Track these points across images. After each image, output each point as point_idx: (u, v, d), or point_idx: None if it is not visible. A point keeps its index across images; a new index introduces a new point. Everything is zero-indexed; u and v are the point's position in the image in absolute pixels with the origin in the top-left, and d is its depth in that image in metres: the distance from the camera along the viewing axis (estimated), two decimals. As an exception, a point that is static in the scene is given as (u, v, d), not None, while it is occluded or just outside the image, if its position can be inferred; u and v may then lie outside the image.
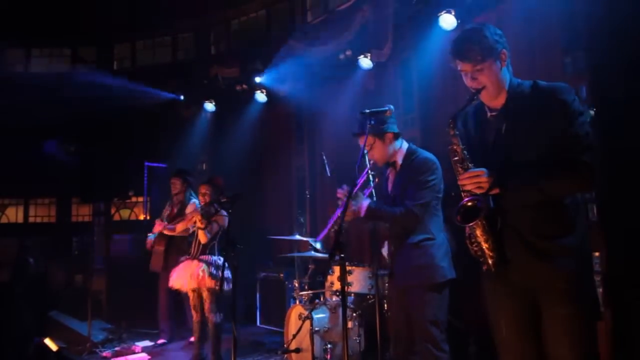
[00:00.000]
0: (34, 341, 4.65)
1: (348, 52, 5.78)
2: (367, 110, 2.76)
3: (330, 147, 6.44)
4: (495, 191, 1.87)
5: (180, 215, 5.31)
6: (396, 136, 3.05)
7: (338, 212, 2.89)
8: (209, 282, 4.46)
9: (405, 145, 3.09)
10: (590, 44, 3.71)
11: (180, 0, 8.72)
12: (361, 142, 2.94)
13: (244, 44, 8.38)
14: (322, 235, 2.68)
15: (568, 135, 1.83)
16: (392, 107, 2.87)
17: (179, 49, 9.55)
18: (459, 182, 1.93)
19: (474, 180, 1.87)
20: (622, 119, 3.41)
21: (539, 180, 1.83)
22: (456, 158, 1.97)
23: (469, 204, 1.87)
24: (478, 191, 1.87)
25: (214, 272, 4.48)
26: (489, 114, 2.06)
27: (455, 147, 1.96)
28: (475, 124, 2.10)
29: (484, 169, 1.88)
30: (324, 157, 4.63)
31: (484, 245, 1.90)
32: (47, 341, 4.57)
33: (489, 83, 1.96)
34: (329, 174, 3.67)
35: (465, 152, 1.95)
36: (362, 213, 2.86)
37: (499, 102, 2.01)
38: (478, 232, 1.90)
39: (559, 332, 1.82)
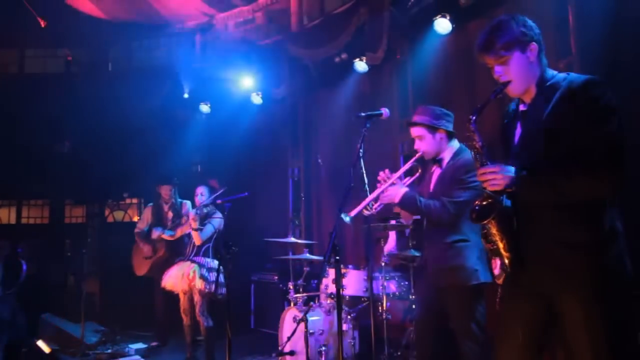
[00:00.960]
0: (26, 343, 4.62)
1: (344, 55, 5.80)
2: (363, 114, 2.77)
3: (326, 150, 6.46)
4: (510, 189, 1.81)
5: (178, 219, 5.31)
6: (450, 135, 3.04)
7: (374, 194, 2.90)
8: (199, 284, 4.44)
9: (456, 145, 3.06)
10: (585, 49, 3.75)
11: (176, 1, 8.70)
12: (413, 133, 3.03)
13: (239, 46, 8.36)
14: (354, 213, 2.74)
15: (592, 134, 1.72)
16: (387, 110, 2.88)
17: (175, 50, 9.52)
18: (478, 179, 1.90)
19: (488, 177, 1.82)
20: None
21: (555, 180, 1.75)
22: (476, 154, 1.93)
23: (484, 202, 1.87)
24: (492, 188, 1.83)
25: (205, 274, 4.47)
26: (520, 108, 2.00)
27: (474, 144, 1.92)
28: (512, 118, 2.05)
29: (500, 166, 1.82)
30: (320, 162, 4.65)
31: (500, 245, 1.87)
32: (40, 343, 4.55)
33: (515, 77, 1.89)
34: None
35: (484, 148, 1.90)
36: (397, 199, 2.89)
37: (529, 96, 1.94)
38: (494, 231, 1.87)
39: (583, 347, 1.73)
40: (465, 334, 2.79)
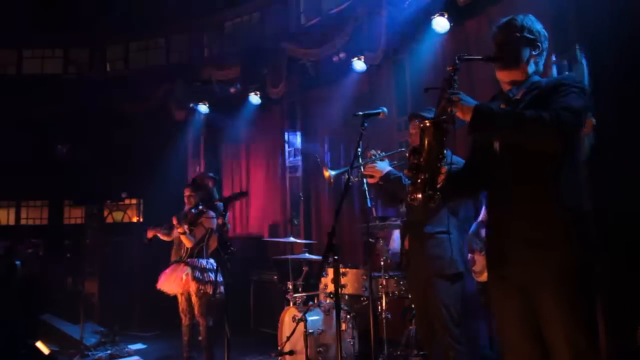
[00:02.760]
0: (25, 344, 4.61)
1: (342, 55, 5.79)
2: (361, 113, 2.77)
3: (325, 149, 6.46)
4: (467, 115, 1.87)
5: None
6: None
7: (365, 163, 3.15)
8: (193, 286, 4.41)
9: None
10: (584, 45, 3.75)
11: (174, 2, 8.69)
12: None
13: (237, 46, 8.36)
14: (338, 171, 3.14)
15: (554, 101, 1.87)
16: (385, 109, 2.88)
17: (173, 51, 9.51)
18: (453, 98, 1.93)
19: (458, 97, 1.91)
20: (614, 122, 3.44)
21: (508, 112, 1.90)
22: (446, 82, 1.98)
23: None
24: (457, 108, 1.89)
25: (198, 275, 4.41)
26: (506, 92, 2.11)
27: (451, 75, 1.98)
28: (496, 96, 2.19)
29: (463, 95, 1.91)
30: (319, 161, 4.64)
31: (424, 155, 1.87)
32: (39, 344, 4.54)
33: (509, 54, 2.03)
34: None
35: (456, 82, 1.97)
36: (381, 174, 3.08)
37: (508, 77, 2.07)
38: (426, 142, 1.87)
39: (556, 326, 1.81)
40: (442, 326, 2.86)
